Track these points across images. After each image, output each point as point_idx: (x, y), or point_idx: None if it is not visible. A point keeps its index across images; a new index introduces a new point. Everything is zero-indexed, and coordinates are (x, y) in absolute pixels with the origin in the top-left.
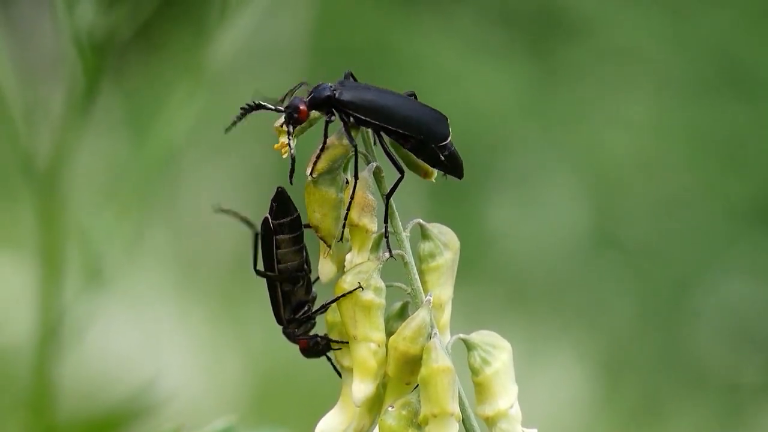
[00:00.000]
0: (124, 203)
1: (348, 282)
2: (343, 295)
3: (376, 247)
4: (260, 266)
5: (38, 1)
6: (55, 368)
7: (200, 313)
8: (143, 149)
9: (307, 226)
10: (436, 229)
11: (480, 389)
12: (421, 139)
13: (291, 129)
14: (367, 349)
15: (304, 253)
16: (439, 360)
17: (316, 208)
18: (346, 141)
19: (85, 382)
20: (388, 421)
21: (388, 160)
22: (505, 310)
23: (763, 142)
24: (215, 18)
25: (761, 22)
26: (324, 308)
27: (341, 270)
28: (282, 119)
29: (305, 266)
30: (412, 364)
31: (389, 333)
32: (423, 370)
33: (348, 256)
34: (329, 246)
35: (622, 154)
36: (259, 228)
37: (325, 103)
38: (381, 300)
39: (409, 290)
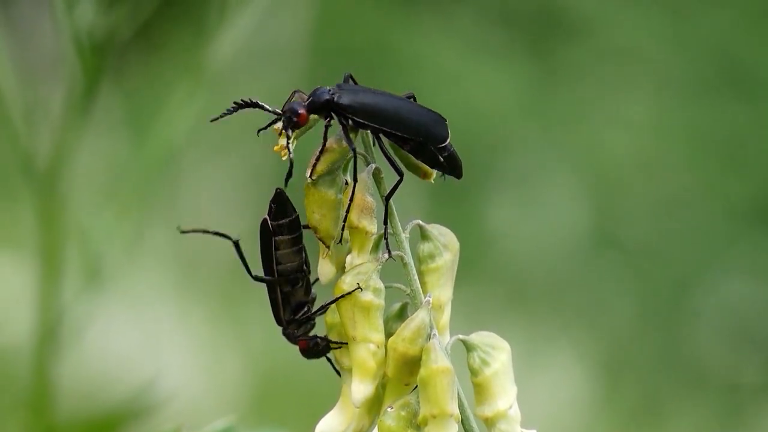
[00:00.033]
0: (124, 203)
1: (347, 283)
2: (343, 296)
3: (375, 248)
4: (255, 272)
5: (38, 1)
6: (54, 368)
7: (200, 313)
8: (143, 149)
9: (306, 227)
10: (435, 230)
11: (479, 390)
12: (420, 141)
13: (290, 133)
14: (367, 349)
15: (304, 254)
16: (439, 361)
17: (315, 209)
18: (345, 144)
19: (85, 382)
20: (388, 421)
21: (387, 162)
22: (505, 310)
23: (763, 142)
24: (215, 18)
25: (761, 22)
26: (323, 309)
27: (341, 271)
28: (282, 123)
29: (304, 267)
30: (412, 365)
31: (388, 334)
32: (422, 371)
33: (348, 258)
34: (328, 247)
35: (622, 154)
36: (233, 238)
37: (324, 107)
38: (380, 301)
39: (409, 291)
